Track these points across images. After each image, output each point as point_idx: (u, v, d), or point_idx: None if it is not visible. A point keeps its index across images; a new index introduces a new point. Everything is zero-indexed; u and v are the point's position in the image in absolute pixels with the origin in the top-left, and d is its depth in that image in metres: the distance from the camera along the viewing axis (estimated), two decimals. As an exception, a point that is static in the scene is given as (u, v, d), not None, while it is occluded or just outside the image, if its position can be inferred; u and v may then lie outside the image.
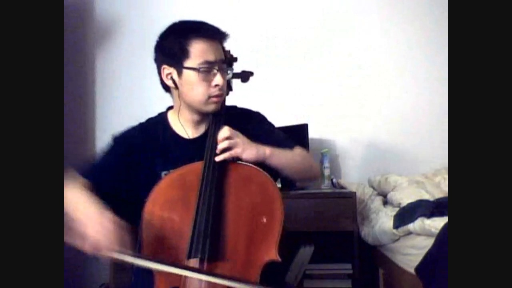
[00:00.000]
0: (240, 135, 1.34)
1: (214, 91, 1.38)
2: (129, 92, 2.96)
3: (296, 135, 2.56)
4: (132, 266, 1.42)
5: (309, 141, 2.63)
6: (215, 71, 1.37)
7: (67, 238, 1.10)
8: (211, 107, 1.40)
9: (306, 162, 1.47)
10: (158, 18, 2.89)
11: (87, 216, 1.16)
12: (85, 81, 3.00)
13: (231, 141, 1.31)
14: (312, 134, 2.66)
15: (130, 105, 2.91)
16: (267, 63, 2.82)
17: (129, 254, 1.14)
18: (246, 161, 1.33)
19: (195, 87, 1.37)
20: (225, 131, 1.32)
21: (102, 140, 2.94)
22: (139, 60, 2.91)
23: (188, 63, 1.36)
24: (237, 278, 1.15)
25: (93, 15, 3.01)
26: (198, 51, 1.35)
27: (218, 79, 1.37)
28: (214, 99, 1.39)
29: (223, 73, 1.39)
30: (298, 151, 1.46)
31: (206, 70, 1.36)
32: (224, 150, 1.32)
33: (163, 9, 2.95)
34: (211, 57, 1.36)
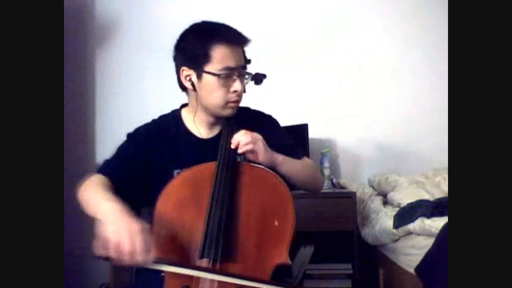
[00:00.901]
0: (260, 139, 1.33)
1: (232, 96, 1.38)
2: (129, 92, 2.96)
3: (296, 135, 2.56)
4: (132, 266, 1.43)
5: (309, 141, 2.63)
6: (234, 77, 1.37)
7: (100, 250, 1.07)
8: (227, 112, 1.40)
9: (312, 174, 1.49)
10: (158, 18, 2.92)
11: (117, 225, 1.11)
12: (85, 81, 3.00)
13: (252, 146, 1.31)
14: (312, 134, 2.66)
15: (130, 105, 2.91)
16: (267, 63, 2.80)
17: (163, 262, 1.13)
18: (259, 164, 1.33)
19: (213, 92, 1.36)
20: (247, 136, 1.31)
21: (102, 140, 2.96)
22: (139, 60, 2.92)
23: (208, 67, 1.35)
24: (250, 277, 1.15)
25: (93, 15, 3.01)
26: (220, 56, 1.34)
27: (237, 86, 1.37)
28: (231, 104, 1.39)
29: (243, 79, 1.39)
30: (306, 161, 1.48)
31: (226, 75, 1.35)
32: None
33: (163, 10, 2.95)
34: (232, 63, 1.35)
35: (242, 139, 1.31)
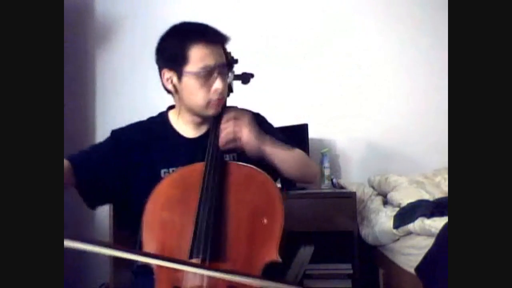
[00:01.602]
0: (246, 116, 1.34)
1: (214, 95, 1.37)
2: (129, 92, 2.96)
3: (296, 135, 2.57)
4: (132, 266, 1.43)
5: (309, 141, 2.63)
6: (215, 75, 1.36)
7: None
8: (211, 111, 1.40)
9: (305, 162, 1.48)
10: (158, 18, 2.92)
11: None
12: (85, 81, 3.00)
13: (236, 134, 1.32)
14: (312, 134, 2.67)
15: (130, 104, 2.91)
16: (267, 63, 2.82)
17: (125, 251, 1.13)
18: (246, 143, 1.33)
19: (195, 92, 1.36)
20: (230, 113, 1.33)
21: (102, 140, 2.95)
22: (139, 60, 2.92)
23: (187, 68, 1.35)
24: (240, 272, 1.15)
25: (93, 15, 3.02)
26: (198, 56, 1.34)
27: (218, 84, 1.36)
28: (214, 104, 1.38)
29: (224, 77, 1.38)
30: (297, 152, 1.47)
31: (206, 75, 1.35)
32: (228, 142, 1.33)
33: (163, 9, 2.96)
34: (211, 62, 1.34)
35: (224, 130, 1.32)
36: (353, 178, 2.83)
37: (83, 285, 2.82)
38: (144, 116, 1.54)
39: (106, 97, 2.99)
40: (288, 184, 1.37)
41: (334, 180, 2.68)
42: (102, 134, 2.93)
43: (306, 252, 2.38)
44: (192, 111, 1.42)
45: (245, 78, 1.44)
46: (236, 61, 1.45)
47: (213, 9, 2.93)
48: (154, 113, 1.54)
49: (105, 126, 2.94)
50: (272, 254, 1.22)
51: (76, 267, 2.78)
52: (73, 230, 2.61)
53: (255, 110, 1.56)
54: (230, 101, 1.50)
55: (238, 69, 1.52)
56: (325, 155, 2.67)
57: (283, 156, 1.39)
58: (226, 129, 1.33)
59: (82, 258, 2.77)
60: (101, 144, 1.47)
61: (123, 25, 3.00)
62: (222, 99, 1.40)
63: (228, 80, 1.41)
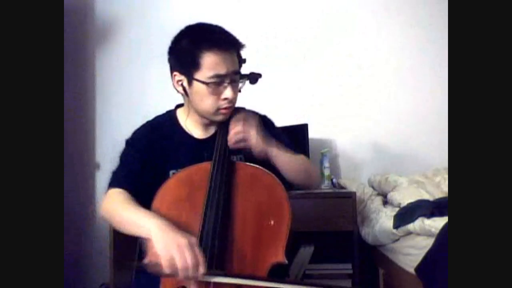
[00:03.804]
0: (252, 128, 1.34)
1: (223, 103, 1.36)
2: (129, 92, 2.96)
3: (296, 135, 2.56)
4: (132, 267, 1.43)
5: (309, 141, 2.63)
6: (226, 83, 1.34)
7: (154, 267, 1.12)
8: (219, 118, 1.39)
9: (308, 168, 1.48)
10: (157, 18, 2.92)
11: (165, 241, 1.14)
12: (85, 81, 3.00)
13: (245, 135, 1.33)
14: (312, 134, 2.66)
15: (130, 105, 2.91)
16: (267, 63, 2.80)
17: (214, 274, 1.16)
18: (254, 144, 1.33)
19: (204, 99, 1.35)
20: (240, 115, 1.34)
21: (102, 140, 2.96)
22: (139, 60, 2.91)
23: (198, 75, 1.33)
24: (248, 275, 1.16)
25: (93, 15, 3.01)
26: (210, 64, 1.32)
27: (228, 93, 1.34)
28: (223, 111, 1.38)
29: (235, 85, 1.36)
30: (302, 157, 1.48)
31: (216, 83, 1.33)
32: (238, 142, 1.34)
33: (163, 10, 2.95)
34: (222, 70, 1.32)
35: (234, 129, 1.33)
36: (353, 178, 2.83)
37: (83, 285, 2.82)
38: (143, 116, 1.53)
39: (106, 97, 2.99)
40: (287, 186, 1.38)
41: (334, 180, 2.68)
42: (102, 133, 2.94)
43: (306, 252, 2.38)
44: (200, 114, 1.42)
45: (253, 78, 1.42)
46: (244, 61, 1.43)
47: (213, 9, 2.93)
48: (153, 112, 1.54)
49: (105, 126, 2.94)
50: (279, 256, 1.22)
51: (76, 267, 2.78)
52: (73, 231, 2.61)
53: (261, 112, 1.56)
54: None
55: (242, 69, 1.51)
56: (325, 155, 2.67)
57: (287, 160, 1.39)
58: (236, 129, 1.33)
59: (82, 258, 2.77)
60: (126, 158, 1.42)
61: (123, 25, 2.99)
62: (232, 106, 1.39)
63: (240, 85, 1.39)
